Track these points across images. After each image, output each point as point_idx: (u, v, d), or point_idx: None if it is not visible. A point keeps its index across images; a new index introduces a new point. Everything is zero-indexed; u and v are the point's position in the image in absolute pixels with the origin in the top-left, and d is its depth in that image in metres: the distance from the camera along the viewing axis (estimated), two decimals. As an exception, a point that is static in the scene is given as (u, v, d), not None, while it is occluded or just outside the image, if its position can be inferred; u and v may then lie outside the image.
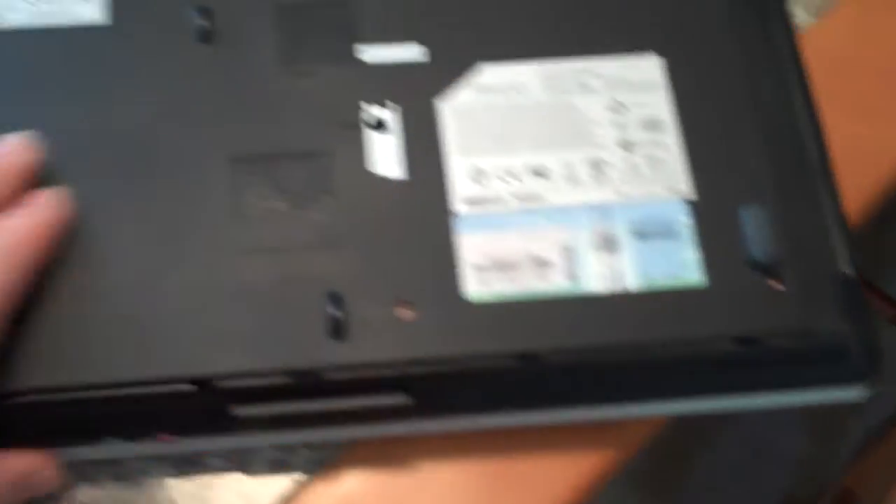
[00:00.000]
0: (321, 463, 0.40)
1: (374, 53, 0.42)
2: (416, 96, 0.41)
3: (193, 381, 0.36)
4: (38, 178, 0.37)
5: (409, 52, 0.42)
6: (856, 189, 0.42)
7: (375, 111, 0.40)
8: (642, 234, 0.39)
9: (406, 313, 0.37)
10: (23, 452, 0.36)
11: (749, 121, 0.41)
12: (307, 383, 0.36)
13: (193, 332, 0.36)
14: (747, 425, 1.17)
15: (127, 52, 0.41)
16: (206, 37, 0.42)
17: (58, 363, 0.36)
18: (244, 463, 0.40)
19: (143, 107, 0.40)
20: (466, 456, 0.40)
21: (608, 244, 0.39)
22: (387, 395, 0.36)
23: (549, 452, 0.41)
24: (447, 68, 0.41)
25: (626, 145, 0.40)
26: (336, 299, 0.37)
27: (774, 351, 0.37)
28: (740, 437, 1.17)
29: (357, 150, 0.40)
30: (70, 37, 0.42)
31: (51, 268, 0.37)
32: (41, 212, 0.36)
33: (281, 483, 0.40)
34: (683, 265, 0.38)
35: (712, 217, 0.39)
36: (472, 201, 0.39)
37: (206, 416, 0.37)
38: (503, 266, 0.38)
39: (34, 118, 0.40)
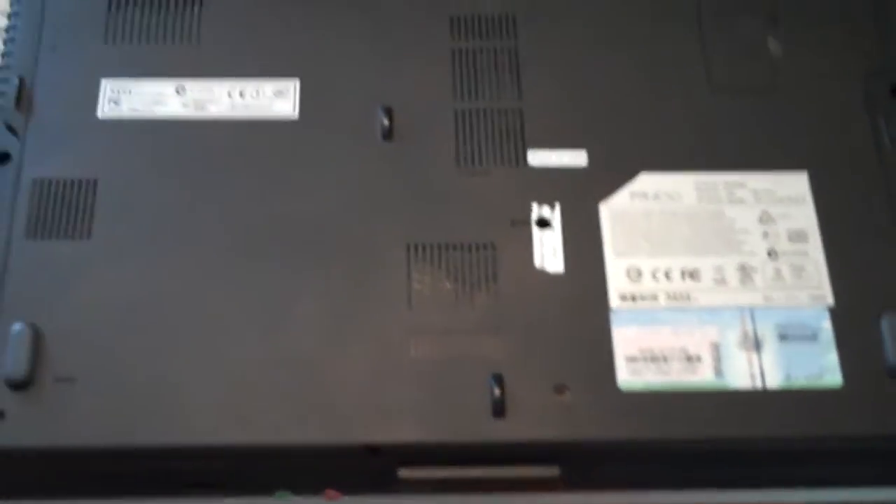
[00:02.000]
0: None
1: (542, 157, 0.49)
2: (578, 198, 0.47)
3: (368, 447, 0.43)
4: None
5: (573, 158, 0.49)
6: None
7: (541, 210, 0.48)
8: (785, 336, 0.45)
9: (562, 397, 0.44)
10: None
11: (888, 234, 0.47)
12: (468, 454, 0.43)
13: (369, 402, 0.43)
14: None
15: (315, 145, 0.49)
16: (388, 134, 0.49)
17: (252, 423, 0.43)
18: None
19: (328, 196, 0.47)
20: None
21: (753, 344, 0.45)
22: (540, 468, 0.43)
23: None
24: (608, 174, 0.48)
25: (773, 254, 0.47)
26: (498, 380, 0.43)
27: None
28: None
29: (522, 244, 0.47)
30: (265, 129, 0.50)
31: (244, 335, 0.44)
32: None
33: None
34: (823, 368, 0.44)
35: (851, 324, 0.45)
36: (627, 297, 0.46)
37: (373, 477, 0.44)
38: (654, 358, 0.44)
39: (229, 200, 0.47)
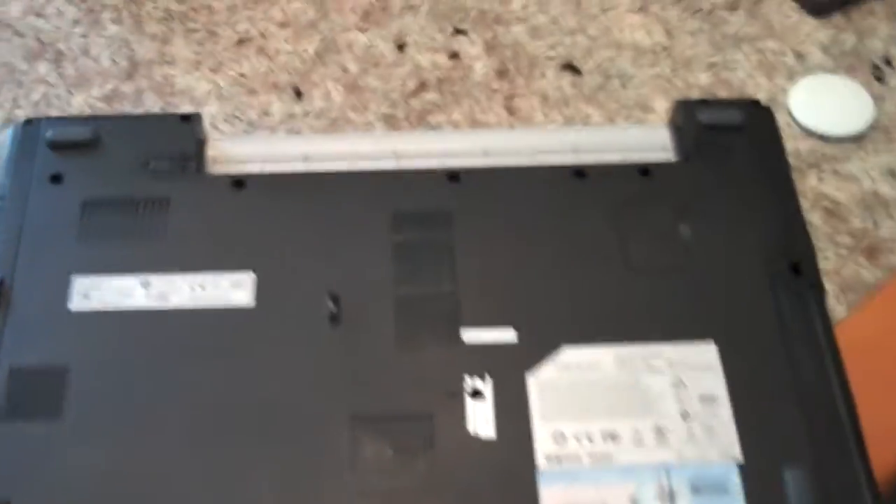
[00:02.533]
0: None
1: (474, 335, 0.55)
2: (508, 371, 0.53)
3: None
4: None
5: (503, 335, 0.55)
6: (880, 460, 0.53)
7: (474, 383, 0.53)
8: (699, 490, 0.50)
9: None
10: None
11: (789, 394, 0.52)
12: None
13: None
14: None
15: (266, 331, 0.54)
16: (335, 320, 0.56)
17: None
18: None
19: (281, 377, 0.53)
20: None
21: (669, 497, 0.50)
22: None
23: None
24: (535, 348, 0.54)
25: (686, 415, 0.52)
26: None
27: None
28: None
29: (457, 414, 0.52)
30: (220, 316, 0.56)
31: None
32: None
33: None
34: (734, 518, 0.49)
35: (759, 477, 0.50)
36: (553, 458, 0.51)
37: None
38: (579, 513, 0.49)
39: (190, 383, 0.52)
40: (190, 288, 0.54)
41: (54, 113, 0.73)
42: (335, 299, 0.53)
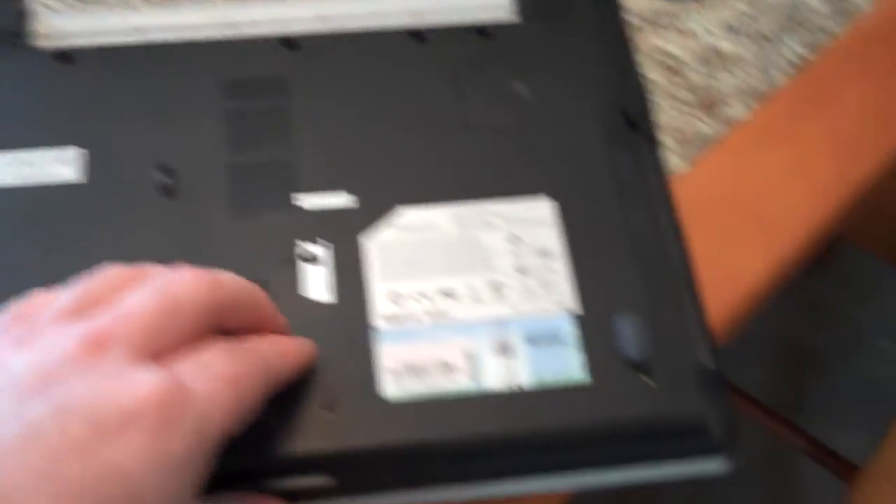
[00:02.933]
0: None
1: (310, 201, 0.54)
2: (345, 235, 0.53)
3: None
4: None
5: (339, 199, 0.55)
6: (716, 306, 0.55)
7: (310, 247, 0.53)
8: (534, 341, 0.51)
9: (330, 412, 0.49)
10: None
11: (624, 246, 0.53)
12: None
13: None
14: None
15: (98, 207, 0.53)
16: (168, 192, 0.54)
17: None
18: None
19: (112, 255, 0.52)
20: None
21: (505, 350, 0.50)
22: (313, 478, 0.48)
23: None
24: (372, 211, 0.54)
25: (522, 270, 0.53)
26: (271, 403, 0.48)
27: (647, 430, 0.49)
28: None
29: (292, 279, 0.52)
30: (47, 194, 0.54)
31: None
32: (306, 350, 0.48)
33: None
34: (569, 366, 0.50)
35: (594, 326, 0.51)
36: (391, 318, 0.51)
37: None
38: (416, 370, 0.50)
39: (13, 266, 0.51)
40: (11, 164, 0.52)
41: None
42: (168, 171, 0.52)
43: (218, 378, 0.38)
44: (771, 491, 1.57)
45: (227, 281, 0.41)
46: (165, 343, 0.38)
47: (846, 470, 1.26)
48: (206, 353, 0.39)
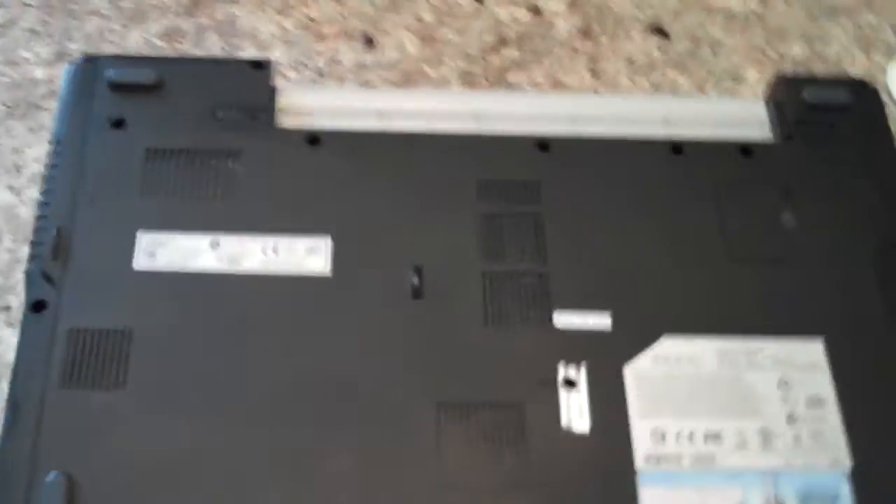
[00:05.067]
0: None
1: (567, 319, 0.52)
2: (603, 360, 0.50)
3: None
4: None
5: (598, 321, 0.52)
6: None
7: (567, 371, 0.50)
8: (807, 499, 0.47)
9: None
10: None
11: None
12: None
13: None
14: None
15: (345, 303, 0.51)
16: (417, 293, 0.52)
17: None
18: None
19: (358, 353, 0.50)
20: None
21: (776, 507, 0.47)
22: None
23: None
24: (631, 337, 0.51)
25: (792, 418, 0.49)
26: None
27: None
28: None
29: (549, 405, 0.49)
30: (297, 285, 0.52)
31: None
32: None
33: None
34: (845, 532, 0.46)
35: (871, 487, 0.47)
36: (652, 458, 0.48)
37: None
38: (680, 519, 0.46)
39: (256, 353, 0.49)
40: (262, 251, 0.50)
41: (109, 49, 0.69)
42: (418, 271, 0.49)
43: None
44: None
45: None
46: None
47: None
48: None
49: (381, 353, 0.48)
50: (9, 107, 0.66)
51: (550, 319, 0.49)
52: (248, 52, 0.68)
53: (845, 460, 0.46)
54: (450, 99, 0.59)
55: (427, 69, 0.67)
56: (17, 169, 0.64)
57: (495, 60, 0.67)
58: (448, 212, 0.53)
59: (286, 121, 0.58)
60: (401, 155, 0.55)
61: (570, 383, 0.48)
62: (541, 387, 0.48)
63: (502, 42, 0.69)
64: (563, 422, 0.47)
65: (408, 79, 0.67)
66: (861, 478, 0.46)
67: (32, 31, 0.70)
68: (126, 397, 0.47)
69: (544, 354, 0.49)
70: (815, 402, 0.48)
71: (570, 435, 0.46)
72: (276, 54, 0.69)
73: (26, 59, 0.69)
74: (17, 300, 0.60)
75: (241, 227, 0.52)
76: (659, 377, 0.48)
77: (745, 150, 0.57)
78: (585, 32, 0.69)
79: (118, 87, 0.57)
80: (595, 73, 0.68)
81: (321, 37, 0.69)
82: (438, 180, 0.54)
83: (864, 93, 0.60)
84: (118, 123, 0.56)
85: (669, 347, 0.49)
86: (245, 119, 0.56)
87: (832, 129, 0.58)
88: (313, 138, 0.56)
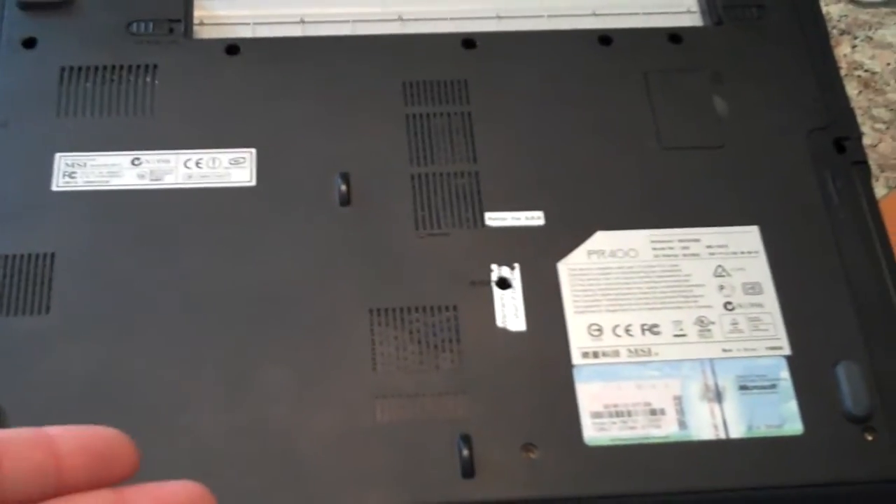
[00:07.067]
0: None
1: (497, 218, 0.51)
2: (537, 258, 0.49)
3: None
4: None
5: (530, 219, 0.51)
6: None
7: (500, 271, 0.49)
8: (745, 387, 0.47)
9: (530, 455, 0.45)
10: None
11: (838, 283, 0.49)
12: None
13: (337, 469, 0.44)
14: None
15: (272, 213, 0.50)
16: (345, 200, 0.51)
17: (218, 495, 0.44)
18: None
19: (287, 263, 0.48)
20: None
21: (715, 395, 0.46)
22: None
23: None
24: (564, 233, 0.50)
25: (730, 306, 0.49)
26: (466, 441, 0.45)
27: (868, 492, 0.45)
28: None
29: (483, 305, 0.48)
30: (222, 197, 0.51)
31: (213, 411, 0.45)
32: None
33: None
34: (783, 416, 0.46)
35: (809, 372, 0.47)
36: (589, 353, 0.47)
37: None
38: (619, 413, 0.46)
39: (183, 268, 0.48)
40: (185, 165, 0.49)
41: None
42: (345, 177, 0.48)
43: None
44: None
45: None
46: None
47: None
48: None
49: (311, 261, 0.47)
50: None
51: (482, 220, 0.48)
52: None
53: (783, 346, 0.46)
54: (373, 1, 0.57)
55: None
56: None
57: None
58: (374, 116, 0.52)
59: (204, 32, 0.55)
60: (323, 60, 0.54)
61: (504, 282, 0.47)
62: (474, 287, 0.46)
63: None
64: (499, 321, 0.46)
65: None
66: (799, 363, 0.46)
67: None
68: (51, 321, 0.45)
69: (477, 255, 0.48)
70: (753, 289, 0.47)
71: (506, 334, 0.46)
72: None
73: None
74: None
75: (162, 143, 0.50)
76: (594, 272, 0.47)
77: (675, 37, 0.56)
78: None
79: (27, 6, 0.55)
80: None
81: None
82: (362, 84, 0.53)
83: (793, -28, 0.57)
84: (29, 43, 0.54)
85: (603, 241, 0.48)
86: (161, 32, 0.54)
87: (762, 10, 0.56)
88: (231, 48, 0.54)
